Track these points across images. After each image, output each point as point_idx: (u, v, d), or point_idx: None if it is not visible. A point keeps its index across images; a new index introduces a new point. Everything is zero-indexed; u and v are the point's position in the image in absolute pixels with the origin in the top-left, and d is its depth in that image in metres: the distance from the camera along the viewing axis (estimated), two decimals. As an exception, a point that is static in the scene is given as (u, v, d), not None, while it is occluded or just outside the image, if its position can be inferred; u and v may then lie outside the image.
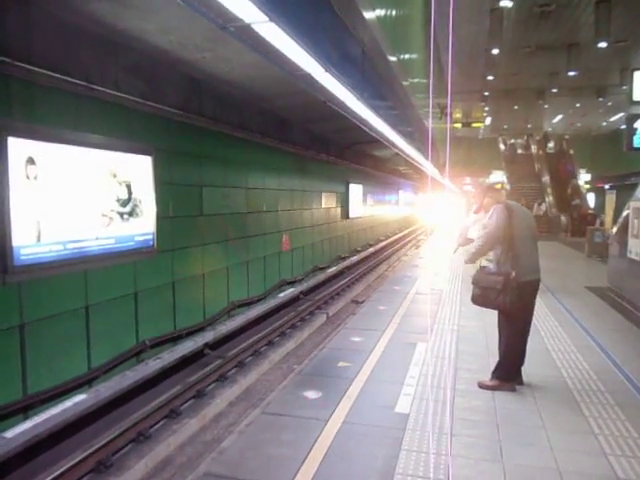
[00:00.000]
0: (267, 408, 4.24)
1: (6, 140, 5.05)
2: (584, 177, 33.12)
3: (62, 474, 4.76)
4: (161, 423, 6.15)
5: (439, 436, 3.69)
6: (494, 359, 5.08)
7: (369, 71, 9.52)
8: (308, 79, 6.48)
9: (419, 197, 41.31)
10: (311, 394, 4.42)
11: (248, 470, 3.26)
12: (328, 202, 16.75)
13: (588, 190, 29.11)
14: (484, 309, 7.06)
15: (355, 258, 18.87)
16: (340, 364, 5.19)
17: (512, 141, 39.12)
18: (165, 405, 6.35)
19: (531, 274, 4.49)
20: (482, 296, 4.52)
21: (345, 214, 18.53)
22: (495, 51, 14.89)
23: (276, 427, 3.86)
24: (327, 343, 6.18)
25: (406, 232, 32.36)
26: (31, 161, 5.34)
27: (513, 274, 4.34)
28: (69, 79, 5.69)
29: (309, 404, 4.25)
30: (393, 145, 14.47)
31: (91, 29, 5.95)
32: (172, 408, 6.37)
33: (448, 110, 15.60)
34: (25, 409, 5.38)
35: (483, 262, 4.84)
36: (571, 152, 32.14)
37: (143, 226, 7.07)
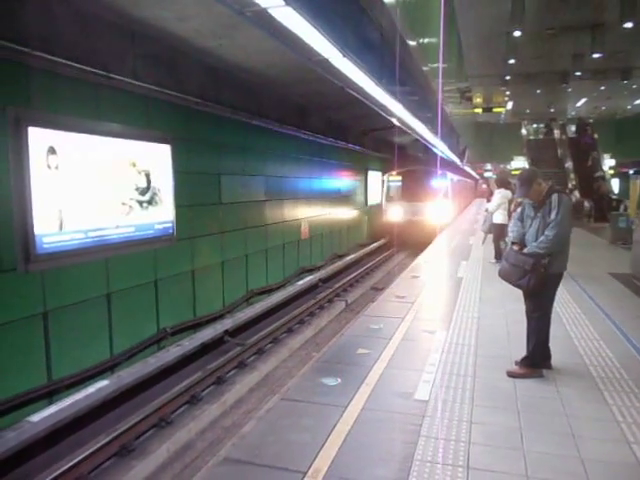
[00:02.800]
0: (286, 394, 4.25)
1: (27, 130, 5.11)
2: (608, 162, 32.46)
3: (87, 457, 4.86)
4: (182, 409, 6.23)
5: (458, 423, 3.66)
6: (515, 346, 5.04)
7: (388, 56, 9.40)
8: (326, 65, 6.43)
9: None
10: (330, 381, 4.42)
11: (268, 455, 3.28)
12: (347, 189, 16.69)
13: (612, 175, 28.50)
14: (505, 295, 7.02)
15: (374, 245, 18.82)
16: (359, 351, 5.18)
17: (534, 126, 38.45)
18: (186, 391, 6.42)
19: (566, 265, 4.47)
20: (509, 272, 4.45)
21: (364, 201, 18.47)
22: (517, 33, 14.56)
23: (295, 413, 3.87)
24: (346, 330, 6.18)
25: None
26: (52, 151, 5.40)
27: (546, 261, 4.25)
28: (88, 69, 5.72)
29: (328, 391, 4.25)
30: (413, 131, 14.31)
31: (109, 18, 5.97)
32: (193, 394, 6.44)
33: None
34: (50, 394, 5.50)
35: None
36: (596, 136, 31.42)
37: (162, 214, 7.13)
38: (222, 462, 3.27)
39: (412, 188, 18.87)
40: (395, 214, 19.00)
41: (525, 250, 4.36)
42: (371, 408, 3.91)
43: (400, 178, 19.56)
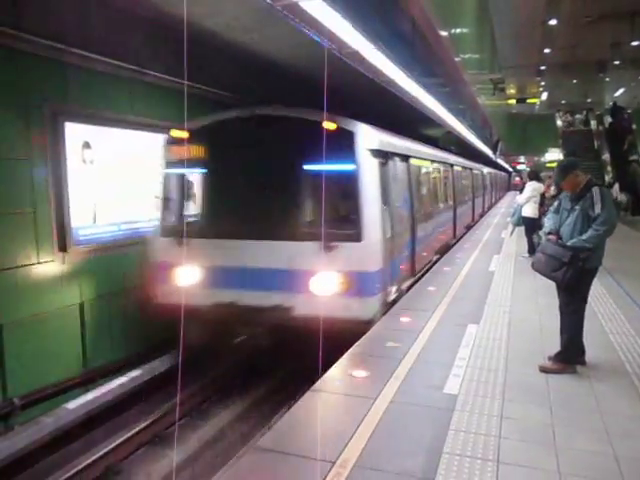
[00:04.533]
0: (316, 386, 4.27)
1: (63, 125, 5.24)
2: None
3: (121, 444, 4.97)
4: (214, 398, 6.31)
5: (488, 417, 3.63)
6: (548, 341, 4.95)
7: (420, 47, 9.28)
8: (357, 57, 6.38)
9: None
10: (359, 373, 4.42)
11: (298, 445, 3.31)
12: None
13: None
14: (538, 290, 6.90)
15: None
16: (389, 344, 5.17)
17: (570, 117, 37.56)
18: (217, 381, 6.50)
19: (602, 260, 4.39)
20: (544, 263, 4.37)
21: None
22: (553, 22, 14.25)
23: (325, 405, 3.90)
24: (376, 323, 6.16)
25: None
26: (87, 145, 5.53)
27: (584, 255, 4.16)
28: (123, 64, 5.83)
29: (357, 383, 4.26)
30: (445, 123, 14.11)
31: (141, 14, 6.05)
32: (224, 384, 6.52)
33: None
34: (85, 383, 5.65)
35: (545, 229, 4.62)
36: (634, 126, 30.44)
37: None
38: (253, 451, 3.32)
39: (246, 191, 6.08)
40: (188, 285, 5.78)
41: (569, 243, 4.26)
42: (400, 401, 3.90)
43: (203, 153, 6.25)
